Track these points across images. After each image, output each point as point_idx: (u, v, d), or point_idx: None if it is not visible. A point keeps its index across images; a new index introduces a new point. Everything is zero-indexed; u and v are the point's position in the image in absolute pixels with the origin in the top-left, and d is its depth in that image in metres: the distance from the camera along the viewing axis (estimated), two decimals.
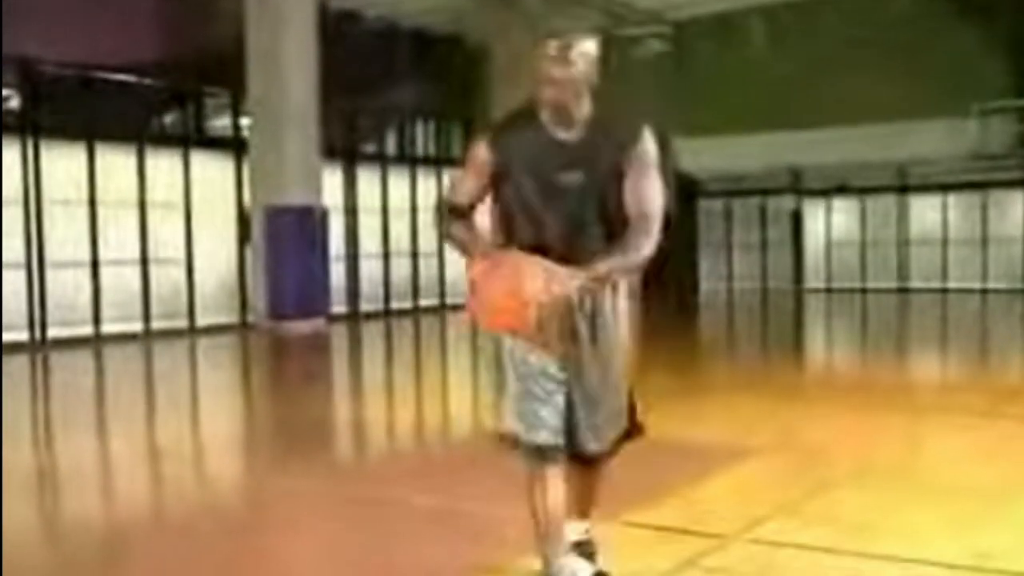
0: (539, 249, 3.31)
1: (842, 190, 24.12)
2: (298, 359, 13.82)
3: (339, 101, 17.40)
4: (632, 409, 3.62)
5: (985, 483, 5.44)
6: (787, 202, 24.59)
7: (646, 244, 3.35)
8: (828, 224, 24.70)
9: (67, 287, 14.79)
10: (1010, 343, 14.69)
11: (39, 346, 14.28)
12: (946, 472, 5.77)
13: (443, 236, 3.64)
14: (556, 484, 3.45)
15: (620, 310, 3.51)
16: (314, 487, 5.81)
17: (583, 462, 3.56)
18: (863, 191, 23.98)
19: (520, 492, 3.52)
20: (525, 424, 3.42)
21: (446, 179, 21.12)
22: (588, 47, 3.28)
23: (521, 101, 3.45)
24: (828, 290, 24.15)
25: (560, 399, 3.43)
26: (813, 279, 24.57)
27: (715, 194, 24.22)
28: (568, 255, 3.28)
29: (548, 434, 3.41)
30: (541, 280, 3.17)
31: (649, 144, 3.39)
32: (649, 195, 3.37)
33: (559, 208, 3.35)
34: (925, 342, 15.28)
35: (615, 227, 3.36)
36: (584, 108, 3.35)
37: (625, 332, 3.53)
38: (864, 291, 23.67)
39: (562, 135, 3.36)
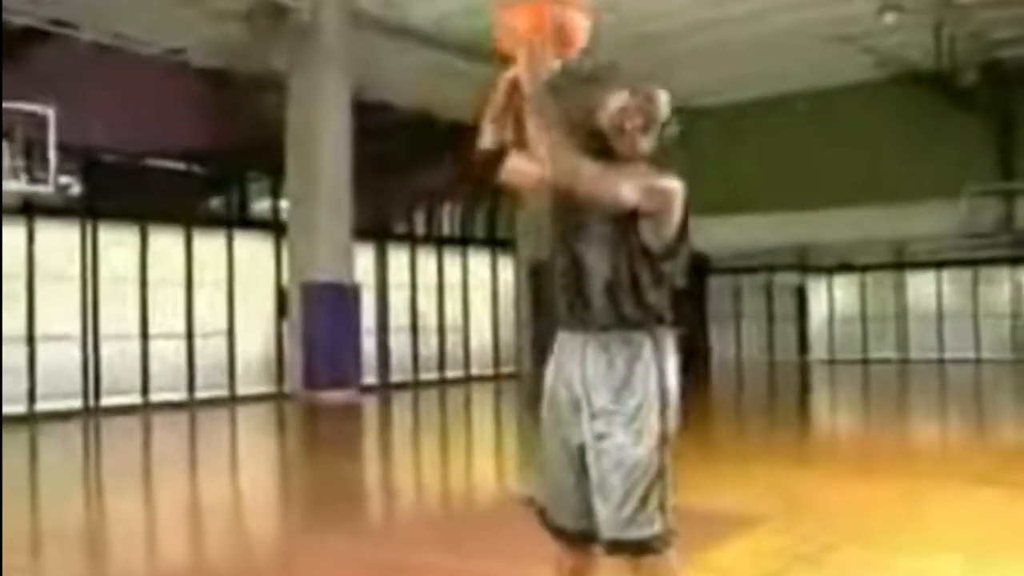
0: (568, 269, 3.06)
1: (844, 267, 24.21)
2: (331, 427, 13.87)
3: (371, 184, 17.65)
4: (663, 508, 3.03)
5: (978, 543, 5.50)
6: (792, 278, 24.69)
7: (611, 185, 2.96)
8: (831, 299, 24.75)
9: (119, 358, 14.96)
10: (1003, 411, 14.64)
11: (92, 413, 14.41)
12: (942, 532, 5.81)
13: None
14: (580, 571, 3.18)
15: (664, 387, 3.04)
16: (343, 549, 5.78)
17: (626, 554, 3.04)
18: (864, 268, 24.07)
19: (548, 556, 3.31)
20: (551, 502, 3.15)
21: (471, 259, 21.34)
22: (664, 99, 3.11)
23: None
24: (832, 361, 24.12)
25: (588, 484, 3.04)
26: (817, 350, 24.55)
27: (724, 270, 24.33)
28: (581, 286, 3.03)
29: (571, 518, 3.11)
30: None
31: (673, 184, 3.05)
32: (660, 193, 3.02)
33: (585, 242, 3.04)
34: (924, 410, 15.22)
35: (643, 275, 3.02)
36: (643, 154, 3.13)
37: (663, 410, 3.03)
38: (866, 362, 23.63)
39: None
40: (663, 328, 3.06)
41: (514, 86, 3.11)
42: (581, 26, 3.07)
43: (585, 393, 3.03)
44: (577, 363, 3.06)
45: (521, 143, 3.12)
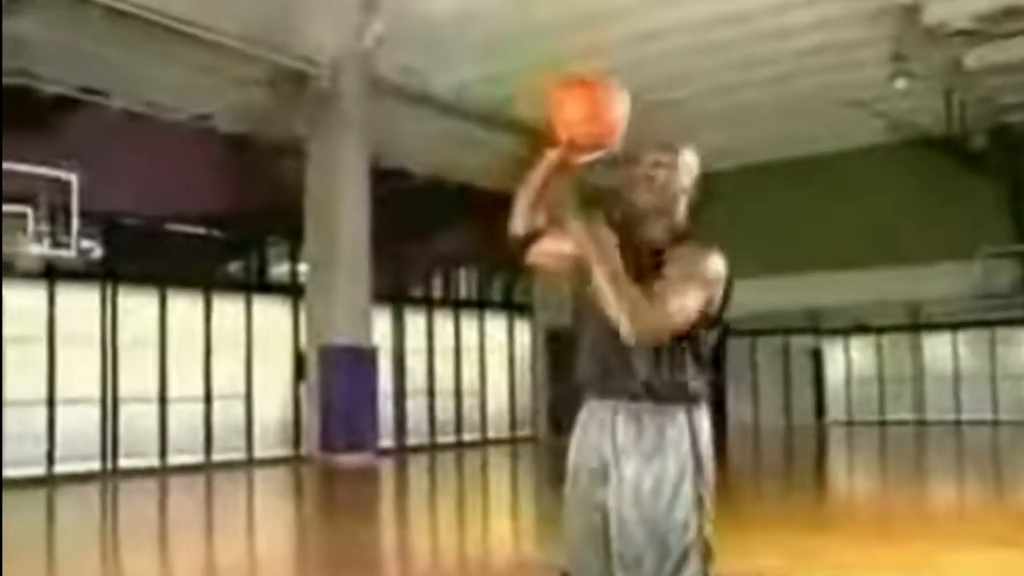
0: (600, 338, 2.91)
1: (860, 328, 24.14)
2: (348, 490, 13.81)
3: (389, 248, 17.77)
4: None
5: None
6: (808, 340, 24.61)
7: (647, 310, 2.77)
8: (847, 360, 24.64)
9: (137, 421, 14.98)
10: (1022, 473, 14.48)
11: (110, 475, 14.39)
12: None
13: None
14: None
15: (699, 452, 2.90)
16: None
17: None
18: (880, 329, 23.99)
19: None
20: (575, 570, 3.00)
21: (488, 323, 21.37)
22: (689, 157, 3.01)
23: None
24: (849, 423, 23.95)
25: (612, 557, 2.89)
26: (834, 412, 24.39)
27: (741, 333, 24.28)
28: (611, 357, 2.89)
29: None
30: None
31: (711, 258, 2.90)
32: (685, 292, 2.83)
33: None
34: (942, 472, 15.07)
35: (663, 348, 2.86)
36: (678, 220, 3.01)
37: (697, 476, 2.89)
38: (883, 423, 23.47)
39: (648, 233, 2.99)
40: (698, 402, 2.95)
41: (553, 168, 3.07)
42: (623, 113, 3.01)
43: (615, 460, 2.92)
44: (607, 431, 2.95)
45: (553, 223, 3.08)
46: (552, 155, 3.07)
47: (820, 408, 24.57)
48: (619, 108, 2.99)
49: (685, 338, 2.86)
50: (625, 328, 2.77)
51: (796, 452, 19.68)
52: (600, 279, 2.81)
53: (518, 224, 3.13)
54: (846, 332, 24.43)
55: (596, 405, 3.01)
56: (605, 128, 2.98)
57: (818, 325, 24.26)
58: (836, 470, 16.77)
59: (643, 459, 2.87)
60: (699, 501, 2.87)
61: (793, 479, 14.84)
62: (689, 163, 3.00)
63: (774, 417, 24.52)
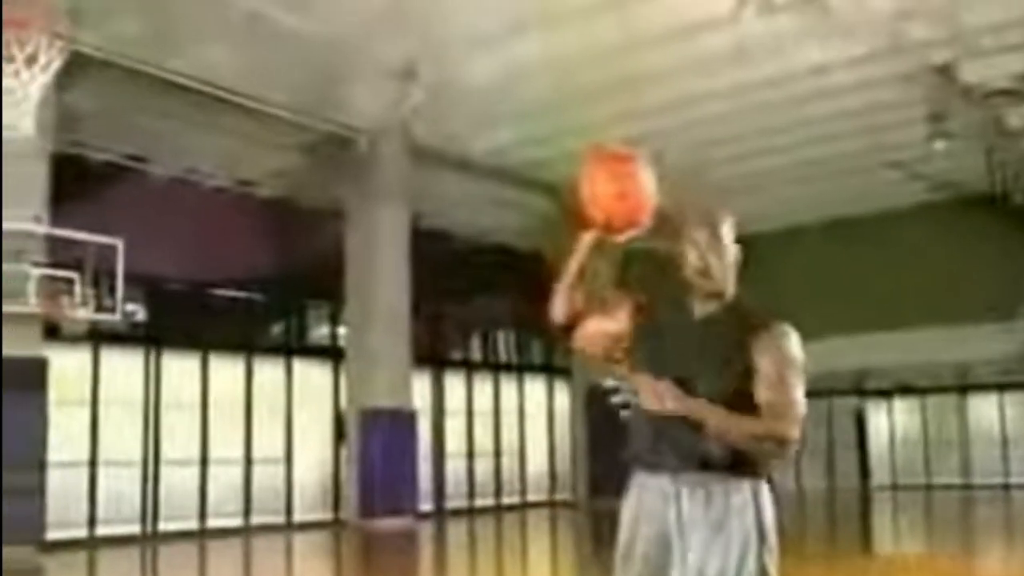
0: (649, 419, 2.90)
1: (904, 390, 23.78)
2: (388, 556, 13.69)
3: (428, 311, 17.81)
4: None
5: None
6: (851, 402, 24.26)
7: (782, 428, 2.82)
8: (891, 423, 24.24)
9: (178, 484, 15.00)
10: None
11: (150, 538, 14.39)
12: None
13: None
14: None
15: (763, 523, 2.89)
16: None
17: None
18: (924, 391, 23.62)
19: None
20: None
21: (527, 385, 21.30)
22: (730, 223, 3.02)
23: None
24: (893, 486, 23.49)
25: None
26: (878, 476, 23.94)
27: None
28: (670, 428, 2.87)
29: None
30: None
31: (793, 342, 2.95)
32: (794, 389, 2.88)
33: (668, 379, 2.83)
34: (988, 538, 14.72)
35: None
36: (729, 284, 3.01)
37: (761, 548, 2.87)
38: (929, 487, 22.98)
39: (699, 309, 3.00)
40: (760, 472, 2.94)
41: (588, 251, 3.10)
42: (653, 189, 3.05)
43: (679, 530, 2.88)
44: (670, 502, 2.91)
45: (592, 301, 3.11)
46: (587, 238, 3.10)
47: (864, 471, 24.13)
48: (649, 184, 3.03)
49: (748, 408, 2.84)
50: (781, 456, 2.88)
51: (841, 517, 19.30)
52: (738, 441, 2.83)
53: (558, 311, 3.15)
54: (890, 394, 24.07)
55: (652, 476, 2.97)
56: (637, 206, 3.02)
57: (861, 386, 23.94)
58: (882, 536, 16.41)
59: (710, 530, 2.85)
60: (763, 573, 2.86)
61: (840, 545, 14.54)
62: (731, 234, 3.01)
63: (816, 480, 24.10)
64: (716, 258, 2.96)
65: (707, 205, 3.06)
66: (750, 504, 2.88)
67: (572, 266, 3.14)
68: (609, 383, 2.83)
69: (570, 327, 3.15)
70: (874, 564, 12.00)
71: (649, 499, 2.96)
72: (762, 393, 2.85)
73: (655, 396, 2.78)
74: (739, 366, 2.89)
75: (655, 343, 2.99)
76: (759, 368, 2.87)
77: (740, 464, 2.87)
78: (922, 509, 19.96)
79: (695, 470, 2.87)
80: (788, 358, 2.92)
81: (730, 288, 3.03)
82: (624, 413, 2.89)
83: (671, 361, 2.92)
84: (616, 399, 2.86)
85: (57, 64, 7.28)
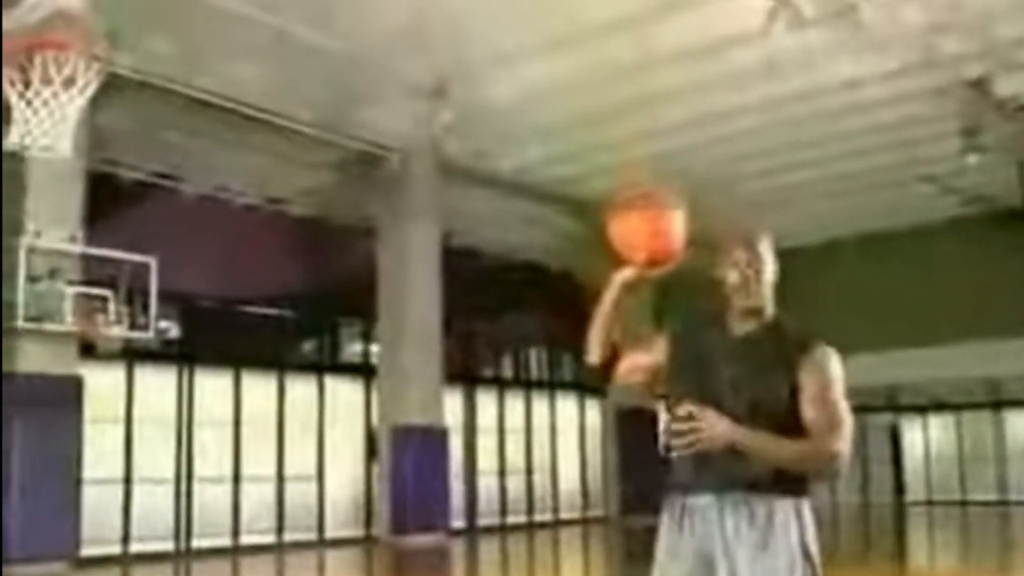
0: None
1: (939, 406, 23.53)
2: (419, 573, 13.67)
3: (460, 329, 17.80)
4: None
5: None
6: (886, 418, 24.04)
7: (831, 445, 2.82)
8: (926, 439, 23.99)
9: (211, 501, 15.05)
10: None
11: (183, 555, 14.44)
12: None
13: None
14: None
15: (805, 543, 2.91)
16: None
17: None
18: (959, 407, 23.35)
19: None
20: None
21: (559, 402, 21.24)
22: (769, 240, 3.05)
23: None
24: (929, 502, 23.22)
25: None
26: (913, 492, 23.68)
27: None
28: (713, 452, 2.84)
29: None
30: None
31: (835, 361, 2.97)
32: (840, 406, 2.88)
33: (710, 400, 2.85)
34: None
35: (769, 430, 2.84)
36: (768, 302, 3.03)
37: (804, 568, 2.87)
38: (964, 503, 22.71)
39: (738, 328, 3.02)
40: (802, 492, 2.96)
41: (622, 290, 3.14)
42: (683, 227, 3.11)
43: (723, 550, 2.87)
44: (712, 523, 2.90)
45: (627, 339, 3.15)
46: (619, 277, 3.15)
47: (899, 487, 23.89)
48: (680, 223, 3.11)
49: (791, 429, 2.85)
50: (832, 473, 2.94)
51: (876, 532, 19.09)
52: (786, 464, 2.85)
53: (595, 353, 3.19)
54: (924, 409, 23.83)
55: (692, 497, 2.96)
56: (668, 245, 3.10)
57: (896, 402, 23.71)
58: (918, 552, 16.21)
59: (755, 549, 2.85)
60: None
61: (875, 561, 14.37)
62: (770, 251, 3.04)
63: (851, 495, 23.87)
64: (755, 275, 2.98)
65: (745, 223, 3.10)
66: (793, 522, 2.88)
67: (605, 306, 3.17)
68: (660, 431, 2.81)
69: (608, 365, 3.17)
70: None
71: (689, 520, 2.95)
72: (808, 411, 2.86)
73: (706, 434, 2.76)
74: (782, 383, 2.88)
75: (696, 363, 3.00)
76: (803, 387, 2.89)
77: (783, 482, 2.87)
78: (958, 525, 19.73)
79: (741, 491, 2.87)
80: (832, 376, 2.93)
81: (769, 306, 3.03)
82: (671, 455, 2.87)
83: (712, 380, 2.93)
84: (663, 442, 2.82)
85: (94, 85, 7.33)
